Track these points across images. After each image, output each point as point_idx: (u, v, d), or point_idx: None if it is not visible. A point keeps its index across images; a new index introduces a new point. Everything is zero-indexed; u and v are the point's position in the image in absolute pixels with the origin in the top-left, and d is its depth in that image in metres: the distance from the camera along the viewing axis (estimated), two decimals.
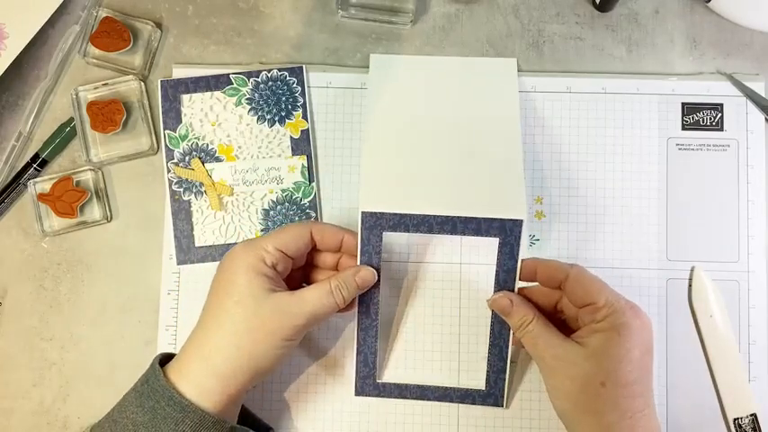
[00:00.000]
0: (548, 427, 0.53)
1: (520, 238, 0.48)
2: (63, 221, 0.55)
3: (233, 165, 0.55)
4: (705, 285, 0.53)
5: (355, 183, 0.56)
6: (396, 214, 0.48)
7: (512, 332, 0.50)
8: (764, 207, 0.55)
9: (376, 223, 0.48)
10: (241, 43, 0.57)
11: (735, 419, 0.52)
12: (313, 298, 0.45)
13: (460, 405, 0.53)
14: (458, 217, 0.48)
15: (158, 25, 0.57)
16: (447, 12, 0.57)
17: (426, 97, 0.55)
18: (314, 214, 0.55)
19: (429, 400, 0.52)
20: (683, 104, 0.56)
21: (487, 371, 0.51)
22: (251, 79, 0.56)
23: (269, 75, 0.56)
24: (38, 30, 0.54)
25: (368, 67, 0.56)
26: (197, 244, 0.55)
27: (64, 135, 0.56)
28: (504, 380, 0.51)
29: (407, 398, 0.52)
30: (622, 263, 0.54)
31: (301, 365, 0.54)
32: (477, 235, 0.48)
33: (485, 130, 0.53)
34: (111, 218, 0.56)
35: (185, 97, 0.56)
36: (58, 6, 0.55)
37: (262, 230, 0.55)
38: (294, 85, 0.56)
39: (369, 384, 0.52)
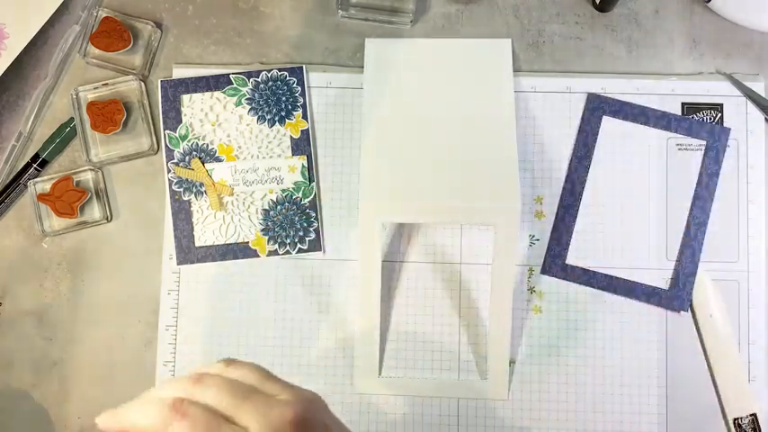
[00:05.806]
0: (547, 418, 0.53)
1: (516, 227, 0.49)
2: (63, 221, 0.55)
3: (233, 165, 0.55)
4: (705, 285, 0.53)
5: (355, 183, 0.56)
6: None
7: (512, 327, 0.50)
8: (764, 207, 0.55)
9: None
10: (241, 43, 0.57)
11: (735, 419, 0.52)
12: None
13: (460, 399, 0.53)
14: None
15: (158, 25, 0.57)
16: (447, 12, 0.57)
17: (422, 83, 0.55)
18: (314, 214, 0.55)
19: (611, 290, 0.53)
20: (683, 104, 0.56)
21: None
22: (251, 79, 0.56)
23: (269, 75, 0.56)
24: (38, 30, 0.54)
25: None
26: (197, 244, 0.55)
27: (64, 135, 0.56)
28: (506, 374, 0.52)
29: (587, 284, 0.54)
30: (622, 263, 0.54)
31: (301, 359, 0.54)
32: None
33: (480, 117, 0.53)
34: (111, 218, 0.56)
35: (185, 97, 0.56)
36: (58, 6, 0.55)
37: (261, 230, 0.55)
38: (294, 86, 0.56)
39: (557, 265, 0.54)
